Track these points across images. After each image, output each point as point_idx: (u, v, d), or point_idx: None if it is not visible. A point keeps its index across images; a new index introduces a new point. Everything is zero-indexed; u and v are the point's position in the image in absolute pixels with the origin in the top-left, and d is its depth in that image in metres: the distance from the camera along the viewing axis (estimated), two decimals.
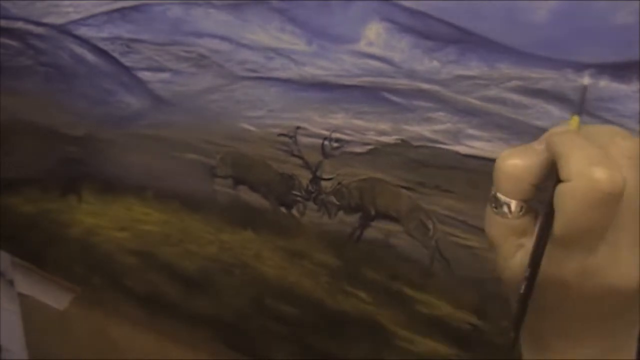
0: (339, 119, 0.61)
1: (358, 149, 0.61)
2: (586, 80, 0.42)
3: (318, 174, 0.65)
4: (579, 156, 0.31)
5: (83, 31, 0.80)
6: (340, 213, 0.65)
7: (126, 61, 0.77)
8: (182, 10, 0.70)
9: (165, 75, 0.74)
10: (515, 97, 0.51)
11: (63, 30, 0.82)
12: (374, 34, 0.57)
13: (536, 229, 0.34)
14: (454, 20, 0.52)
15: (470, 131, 0.54)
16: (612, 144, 0.32)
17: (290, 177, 0.67)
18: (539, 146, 0.34)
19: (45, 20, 0.83)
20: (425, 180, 0.57)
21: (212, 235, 0.77)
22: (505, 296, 0.36)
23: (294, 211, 0.69)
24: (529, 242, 0.34)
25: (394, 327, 0.63)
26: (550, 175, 0.33)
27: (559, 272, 0.33)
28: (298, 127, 0.65)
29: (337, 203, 0.65)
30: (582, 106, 0.36)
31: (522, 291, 0.33)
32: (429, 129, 0.56)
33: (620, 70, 0.46)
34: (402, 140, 0.58)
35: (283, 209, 0.70)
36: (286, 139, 0.66)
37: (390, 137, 0.58)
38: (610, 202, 0.31)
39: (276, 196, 0.70)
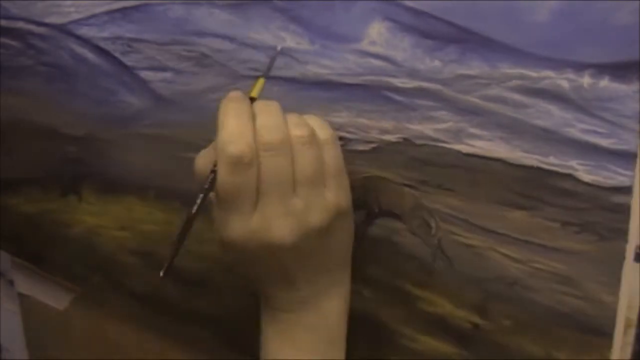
0: (342, 117, 0.61)
1: (361, 147, 0.61)
2: (279, 47, 0.52)
3: None
4: (223, 129, 0.43)
5: (84, 31, 0.80)
6: None
7: (127, 61, 0.77)
8: (184, 10, 0.70)
9: (167, 75, 0.74)
10: (516, 96, 0.51)
11: (64, 30, 0.82)
12: (377, 34, 0.57)
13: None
14: (456, 20, 0.53)
15: (472, 130, 0.54)
16: (258, 135, 0.43)
17: None
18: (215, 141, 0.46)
19: (46, 20, 0.83)
20: (428, 178, 0.58)
21: (212, 235, 0.77)
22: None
23: None
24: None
25: (396, 324, 0.64)
26: None
27: (229, 234, 0.45)
28: None
29: None
30: (269, 69, 0.49)
31: (175, 238, 0.47)
32: (431, 127, 0.56)
33: (620, 70, 0.46)
34: (405, 138, 0.58)
35: None
36: None
37: (392, 136, 0.59)
38: (239, 165, 0.41)
39: None
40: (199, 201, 0.45)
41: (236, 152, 0.41)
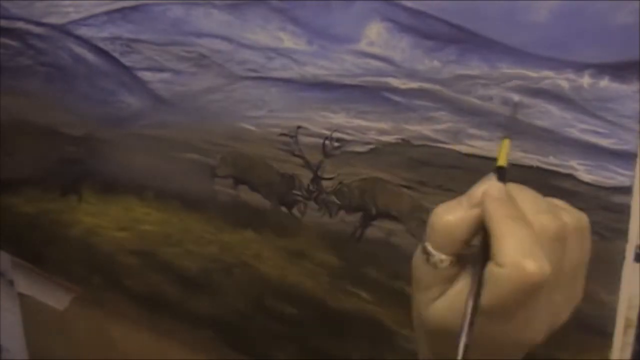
0: (340, 118, 0.61)
1: (359, 149, 0.61)
2: (516, 97, 0.43)
3: (319, 173, 0.65)
4: (512, 243, 0.34)
5: (83, 31, 0.80)
6: (342, 212, 0.65)
7: (126, 61, 0.77)
8: (183, 10, 0.70)
9: (165, 75, 0.74)
10: (515, 96, 0.51)
11: (63, 30, 0.82)
12: (375, 34, 0.57)
13: (449, 290, 0.37)
14: (455, 20, 0.52)
15: (471, 130, 0.54)
16: (537, 222, 0.35)
17: (291, 176, 0.68)
18: (472, 202, 0.37)
19: (46, 20, 0.83)
20: (427, 179, 0.57)
21: (212, 235, 0.77)
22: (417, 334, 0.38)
23: (295, 211, 0.69)
24: (451, 291, 0.37)
25: (395, 326, 0.63)
26: (479, 233, 0.36)
27: (480, 333, 0.36)
28: (299, 127, 0.65)
29: (338, 202, 0.65)
30: (513, 126, 0.38)
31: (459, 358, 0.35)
32: (430, 128, 0.56)
33: (620, 70, 0.46)
34: (403, 139, 0.58)
35: (284, 209, 0.70)
36: (287, 139, 0.66)
37: (391, 137, 0.59)
38: (537, 288, 0.34)
39: (277, 196, 0.70)
40: (466, 325, 0.35)
41: (542, 271, 0.33)
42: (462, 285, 0.37)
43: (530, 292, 0.34)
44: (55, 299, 1.01)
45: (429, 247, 0.37)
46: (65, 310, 1.01)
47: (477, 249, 0.36)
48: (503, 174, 0.38)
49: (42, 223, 0.95)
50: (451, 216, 0.36)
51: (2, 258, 1.06)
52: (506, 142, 0.39)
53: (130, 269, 0.87)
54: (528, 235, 0.34)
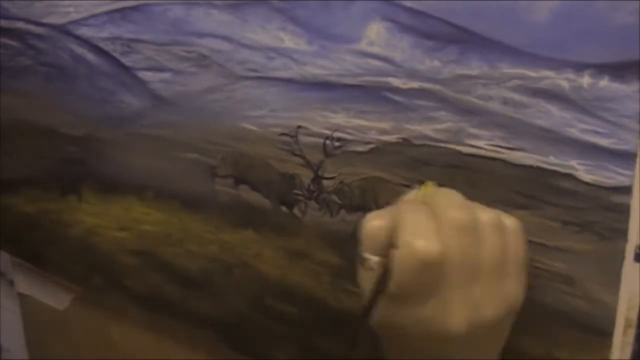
0: (340, 118, 0.61)
1: (360, 148, 0.61)
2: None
3: (320, 173, 0.65)
4: (408, 227, 0.38)
5: (83, 31, 0.80)
6: (342, 212, 0.65)
7: (127, 61, 0.77)
8: (183, 10, 0.70)
9: (165, 75, 0.74)
10: (515, 96, 0.51)
11: (63, 30, 0.82)
12: (375, 34, 0.57)
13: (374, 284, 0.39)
14: (455, 20, 0.52)
15: (472, 130, 0.54)
16: (444, 215, 0.38)
17: (291, 176, 0.68)
18: (394, 208, 0.41)
19: (46, 20, 0.83)
20: (427, 178, 0.57)
21: (212, 235, 0.77)
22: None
23: (296, 210, 0.69)
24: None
25: None
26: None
27: (396, 321, 0.39)
28: (299, 127, 0.65)
29: (339, 202, 0.65)
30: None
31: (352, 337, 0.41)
32: (430, 128, 0.56)
33: (620, 70, 0.46)
34: (404, 139, 0.58)
35: (284, 209, 0.70)
36: (287, 139, 0.66)
37: (391, 136, 0.59)
38: (429, 267, 0.37)
39: (277, 195, 0.70)
40: (369, 299, 0.39)
41: (428, 249, 0.36)
42: None
43: (426, 271, 0.37)
44: (55, 299, 1.01)
45: (362, 252, 0.40)
46: (65, 310, 1.01)
47: None
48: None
49: (42, 223, 0.95)
50: (375, 221, 0.41)
51: (2, 258, 1.06)
52: (430, 184, 0.43)
53: (130, 269, 0.87)
54: (423, 220, 0.38)
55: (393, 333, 0.41)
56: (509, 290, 0.41)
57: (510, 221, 0.41)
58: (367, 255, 0.40)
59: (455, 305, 0.38)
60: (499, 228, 0.40)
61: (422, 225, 0.38)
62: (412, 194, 0.43)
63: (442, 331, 0.39)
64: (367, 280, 0.40)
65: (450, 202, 0.40)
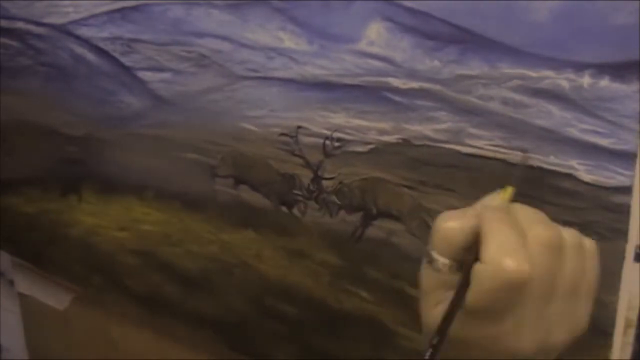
0: (340, 118, 0.61)
1: (359, 149, 0.61)
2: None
3: (319, 173, 0.65)
4: (496, 242, 0.36)
5: (83, 31, 0.80)
6: (342, 212, 0.65)
7: (127, 61, 0.77)
8: (183, 10, 0.70)
9: (165, 75, 0.74)
10: (516, 96, 0.51)
11: (63, 30, 0.82)
12: (375, 34, 0.57)
13: (451, 297, 0.37)
14: (455, 20, 0.52)
15: (472, 130, 0.54)
16: (531, 230, 0.36)
17: (291, 176, 0.68)
18: (474, 212, 0.38)
19: (46, 20, 0.83)
20: (427, 179, 0.57)
21: (212, 235, 0.77)
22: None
23: (295, 211, 0.69)
24: (450, 296, 0.38)
25: (396, 326, 0.63)
26: (476, 245, 0.37)
27: (468, 335, 0.37)
28: (299, 127, 0.65)
29: (339, 202, 0.65)
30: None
31: (427, 357, 0.36)
32: (430, 128, 0.56)
33: (620, 70, 0.46)
34: (404, 139, 0.58)
35: (284, 209, 0.70)
36: (287, 139, 0.66)
37: (391, 137, 0.59)
38: (516, 287, 0.35)
39: (277, 196, 0.70)
40: (447, 311, 0.37)
41: (517, 270, 0.35)
42: None
43: (511, 291, 0.35)
44: (55, 299, 1.01)
45: (432, 251, 0.38)
46: (66, 310, 1.01)
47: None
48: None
49: (42, 223, 0.95)
50: (452, 222, 0.38)
51: (2, 258, 1.06)
52: (509, 190, 0.40)
53: (130, 269, 0.87)
54: (512, 236, 0.36)
55: (459, 344, 0.39)
56: (581, 315, 0.39)
57: (588, 242, 0.39)
58: (436, 255, 0.38)
59: (527, 326, 0.37)
60: (579, 249, 0.38)
61: (511, 241, 0.36)
62: (493, 199, 0.40)
63: (510, 351, 0.37)
64: (430, 279, 0.39)
65: (535, 218, 0.38)
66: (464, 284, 0.36)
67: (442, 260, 0.38)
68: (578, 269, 0.38)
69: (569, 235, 0.37)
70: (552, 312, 0.37)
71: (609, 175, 0.48)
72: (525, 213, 0.38)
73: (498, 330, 0.37)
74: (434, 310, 0.38)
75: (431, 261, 0.38)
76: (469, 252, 0.37)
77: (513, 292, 0.35)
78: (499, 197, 0.39)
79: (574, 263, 0.37)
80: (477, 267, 0.36)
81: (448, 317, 0.36)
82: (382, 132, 0.59)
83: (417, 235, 0.60)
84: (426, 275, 0.39)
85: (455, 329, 0.37)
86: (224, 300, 0.79)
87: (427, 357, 0.36)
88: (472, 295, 0.36)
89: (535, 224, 0.37)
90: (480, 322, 0.37)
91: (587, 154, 0.49)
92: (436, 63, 0.54)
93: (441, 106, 0.55)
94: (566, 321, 0.38)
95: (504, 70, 0.51)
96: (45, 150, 0.92)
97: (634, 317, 0.50)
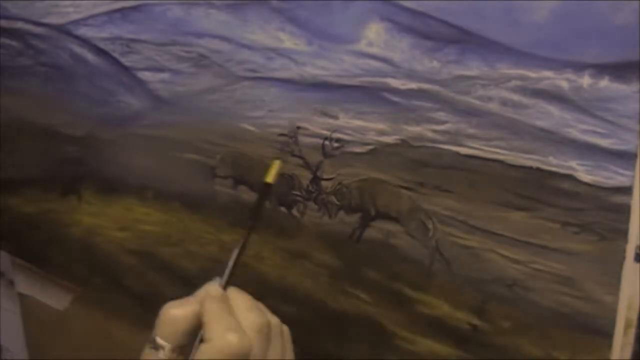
0: (338, 119, 0.61)
1: (358, 149, 0.61)
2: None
3: (318, 174, 0.65)
4: (219, 324, 0.42)
5: (83, 31, 0.80)
6: (341, 213, 0.65)
7: (126, 61, 0.77)
8: (182, 11, 0.70)
9: (165, 76, 0.74)
10: (515, 97, 0.51)
11: (63, 30, 0.82)
12: (374, 34, 0.57)
13: None
14: (454, 20, 0.52)
15: (470, 131, 0.54)
16: (245, 319, 0.43)
17: (290, 177, 0.68)
18: (195, 300, 0.44)
19: (45, 20, 0.83)
20: (425, 180, 0.57)
21: (212, 235, 0.77)
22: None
23: (294, 211, 0.69)
24: None
25: (394, 327, 0.63)
26: (197, 332, 0.42)
27: None
28: (298, 127, 0.65)
29: (338, 203, 0.65)
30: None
31: None
32: (429, 129, 0.56)
33: (620, 70, 0.46)
34: (402, 140, 0.58)
35: (283, 209, 0.70)
36: (286, 139, 0.66)
37: (390, 137, 0.59)
38: (240, 356, 0.41)
39: (276, 196, 0.70)
40: None
41: (242, 342, 0.41)
42: None
43: None
44: (55, 299, 1.01)
45: (156, 337, 0.42)
46: (65, 310, 1.00)
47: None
48: (269, 191, 0.46)
49: (42, 223, 0.95)
50: (175, 310, 0.43)
51: (2, 258, 1.06)
52: (277, 163, 0.45)
53: (130, 269, 0.87)
54: (230, 318, 0.42)
55: None
56: None
57: (286, 328, 0.47)
58: (160, 341, 0.42)
59: None
60: (281, 333, 0.45)
61: (230, 322, 0.42)
62: (212, 286, 0.46)
63: None
64: None
65: (248, 305, 0.44)
66: None
67: (164, 345, 0.42)
68: (280, 347, 0.45)
69: (274, 321, 0.45)
70: None
71: (609, 176, 0.48)
72: (239, 300, 0.44)
73: None
74: None
75: (155, 347, 0.42)
76: (191, 337, 0.42)
77: None
78: (217, 285, 0.45)
79: (279, 345, 0.44)
80: (202, 347, 0.41)
81: None
82: (381, 132, 0.59)
83: (415, 237, 0.60)
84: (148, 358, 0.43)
85: None
86: None
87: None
88: None
89: (248, 311, 0.43)
90: None
91: (587, 155, 0.49)
92: (435, 63, 0.54)
93: (440, 107, 0.55)
94: None
95: (503, 71, 0.51)
96: (45, 150, 0.92)
97: (634, 317, 0.50)
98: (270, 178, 0.46)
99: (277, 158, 0.46)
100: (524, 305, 0.54)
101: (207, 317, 0.42)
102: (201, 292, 0.45)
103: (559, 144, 0.50)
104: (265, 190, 0.46)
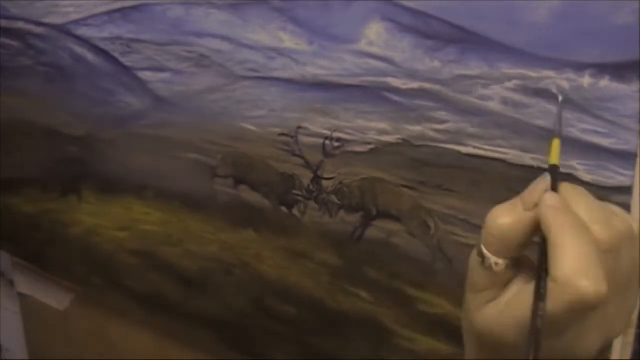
0: (340, 118, 0.61)
1: (359, 149, 0.61)
2: (560, 97, 0.44)
3: (319, 173, 0.65)
4: (570, 257, 0.32)
5: (83, 31, 0.80)
6: (342, 212, 0.65)
7: (127, 61, 0.77)
8: (183, 10, 0.70)
9: (165, 75, 0.74)
10: (515, 96, 0.51)
11: (63, 30, 0.82)
12: (375, 34, 0.57)
13: (502, 296, 0.35)
14: (455, 20, 0.52)
15: (471, 130, 0.54)
16: (591, 234, 0.33)
17: (291, 176, 0.68)
18: (525, 205, 0.35)
19: (46, 20, 0.83)
20: (427, 179, 0.57)
21: (212, 235, 0.77)
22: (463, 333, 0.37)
23: (295, 211, 0.69)
24: (504, 296, 0.36)
25: (395, 326, 0.64)
26: (537, 238, 0.34)
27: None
28: (299, 127, 0.65)
29: (338, 202, 0.65)
30: (561, 125, 0.38)
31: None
32: (430, 128, 0.56)
33: (620, 70, 0.46)
34: (403, 139, 0.58)
35: (284, 209, 0.70)
36: (287, 139, 0.66)
37: (391, 137, 0.59)
38: (592, 309, 0.33)
39: (277, 196, 0.70)
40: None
41: (596, 292, 0.32)
42: (515, 291, 0.35)
43: (586, 312, 0.33)
44: (55, 299, 1.01)
45: (484, 250, 0.35)
46: (66, 310, 1.01)
47: (536, 255, 0.34)
48: (556, 173, 0.37)
49: (42, 223, 0.95)
50: (506, 219, 0.35)
51: (2, 258, 1.06)
52: (557, 142, 0.37)
53: (130, 269, 0.87)
54: (587, 251, 0.33)
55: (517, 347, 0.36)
56: (634, 304, 0.37)
57: (636, 227, 0.36)
58: (487, 253, 0.35)
59: (593, 330, 0.35)
60: (632, 240, 0.36)
61: (585, 254, 0.33)
62: (541, 183, 0.36)
63: (573, 355, 0.36)
64: (481, 278, 0.36)
65: (592, 215, 0.35)
66: (539, 299, 0.33)
67: (495, 260, 0.35)
68: (632, 261, 0.35)
69: (623, 227, 0.35)
70: (612, 310, 0.35)
71: (609, 176, 0.48)
72: (580, 205, 0.35)
73: (560, 343, 0.35)
74: (483, 309, 0.36)
75: (483, 260, 0.35)
76: (524, 248, 0.34)
77: (588, 313, 0.33)
78: (547, 181, 0.36)
79: (629, 256, 0.35)
80: (549, 286, 0.33)
81: (534, 337, 0.33)
82: (382, 132, 0.59)
83: (416, 236, 0.60)
84: (476, 274, 0.36)
85: (514, 335, 0.35)
86: (223, 300, 0.78)
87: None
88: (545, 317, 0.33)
89: (593, 224, 0.34)
90: (545, 334, 0.34)
91: (587, 154, 0.49)
92: (436, 63, 0.54)
93: (441, 106, 0.55)
94: (624, 313, 0.37)
95: (504, 71, 0.51)
96: (45, 150, 0.92)
97: (634, 317, 0.50)
98: (555, 159, 0.37)
99: (554, 137, 0.38)
100: None
101: (554, 241, 0.33)
102: (534, 193, 0.35)
103: None
104: (553, 173, 0.36)
